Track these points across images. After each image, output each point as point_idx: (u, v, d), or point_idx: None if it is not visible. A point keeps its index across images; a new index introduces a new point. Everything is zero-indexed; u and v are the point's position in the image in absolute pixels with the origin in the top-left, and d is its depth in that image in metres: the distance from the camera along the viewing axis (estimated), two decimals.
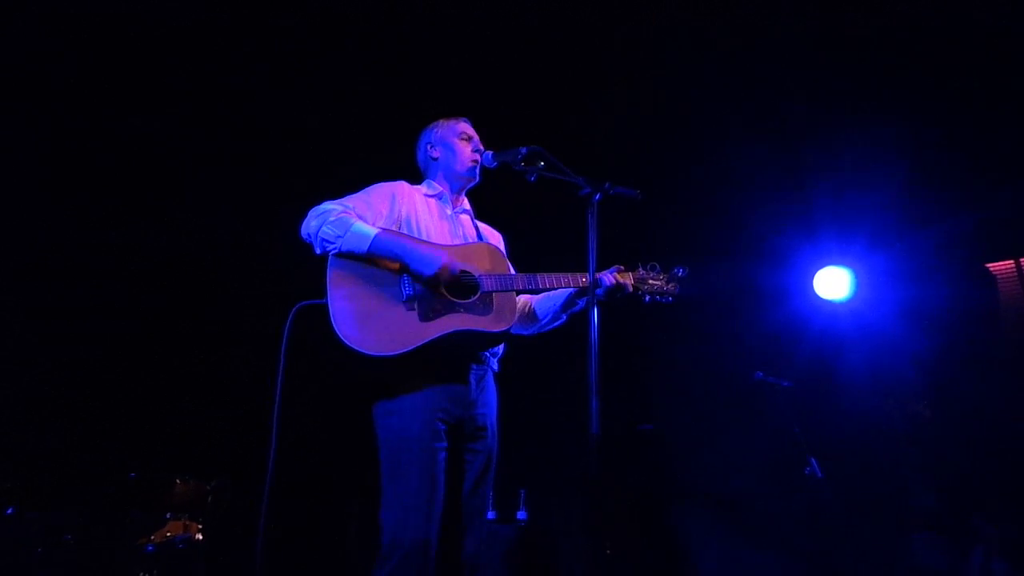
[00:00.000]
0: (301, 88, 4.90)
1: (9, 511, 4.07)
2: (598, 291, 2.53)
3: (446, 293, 2.46)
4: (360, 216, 2.50)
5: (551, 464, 5.18)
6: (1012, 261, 5.40)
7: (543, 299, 2.79)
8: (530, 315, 2.80)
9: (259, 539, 2.55)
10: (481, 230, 2.82)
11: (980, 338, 5.21)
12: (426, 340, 2.38)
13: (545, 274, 2.57)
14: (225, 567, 4.39)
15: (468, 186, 2.81)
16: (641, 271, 2.71)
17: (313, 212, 2.49)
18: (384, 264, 2.45)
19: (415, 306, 2.41)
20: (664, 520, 5.23)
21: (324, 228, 2.42)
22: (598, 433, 2.11)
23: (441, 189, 2.77)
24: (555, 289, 2.65)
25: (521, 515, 4.70)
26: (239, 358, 4.96)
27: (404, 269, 2.45)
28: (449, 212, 2.75)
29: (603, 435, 2.12)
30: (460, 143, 2.76)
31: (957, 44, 4.43)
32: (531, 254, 2.96)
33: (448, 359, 2.47)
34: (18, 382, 4.87)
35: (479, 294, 2.48)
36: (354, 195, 2.60)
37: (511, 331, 2.58)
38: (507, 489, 4.65)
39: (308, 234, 2.48)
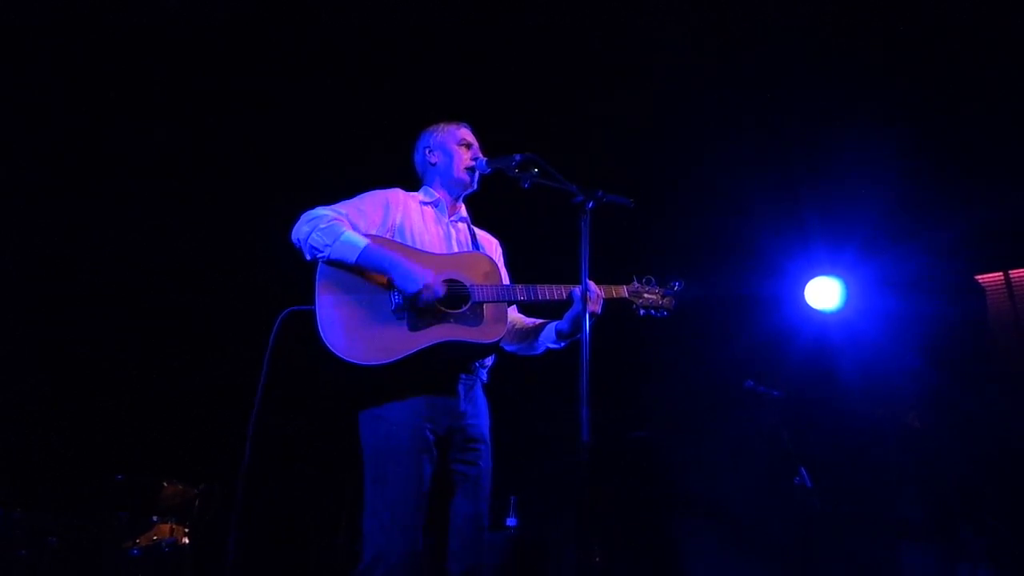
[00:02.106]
0: (293, 92, 4.88)
1: None
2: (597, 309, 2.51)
3: (437, 303, 2.42)
4: (352, 224, 2.47)
5: (541, 471, 5.18)
6: (1001, 273, 5.44)
7: (525, 326, 2.76)
8: (514, 334, 2.76)
9: (231, 537, 2.51)
10: (479, 237, 2.79)
11: (969, 349, 5.24)
12: (414, 350, 2.35)
13: (537, 285, 2.54)
14: (212, 572, 4.36)
15: (466, 193, 2.79)
16: (636, 284, 2.68)
17: (305, 217, 2.46)
18: (373, 275, 2.42)
19: (404, 316, 2.39)
20: (654, 528, 5.23)
21: (314, 235, 2.40)
22: (588, 441, 2.10)
23: (438, 196, 2.74)
24: (548, 300, 2.59)
25: (511, 522, 4.69)
26: (229, 361, 4.93)
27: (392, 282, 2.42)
28: (445, 220, 2.72)
29: (594, 443, 2.11)
30: (459, 149, 2.73)
31: (947, 56, 4.47)
32: (524, 262, 2.95)
33: (437, 369, 2.43)
34: (4, 384, 4.83)
35: (470, 304, 2.45)
36: (348, 201, 2.56)
37: (502, 344, 2.56)
38: (497, 496, 4.63)
39: (298, 239, 2.45)
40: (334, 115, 4.98)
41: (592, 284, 2.53)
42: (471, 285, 2.48)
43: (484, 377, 2.63)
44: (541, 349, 2.74)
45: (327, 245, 2.39)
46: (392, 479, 2.31)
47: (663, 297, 2.69)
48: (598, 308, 2.54)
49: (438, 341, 2.38)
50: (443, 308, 2.43)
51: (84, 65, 4.51)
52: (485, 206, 2.90)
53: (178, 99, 4.80)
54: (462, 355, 2.48)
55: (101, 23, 4.29)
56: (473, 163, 2.71)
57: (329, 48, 4.67)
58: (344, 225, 2.44)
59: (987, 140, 4.83)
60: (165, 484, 4.39)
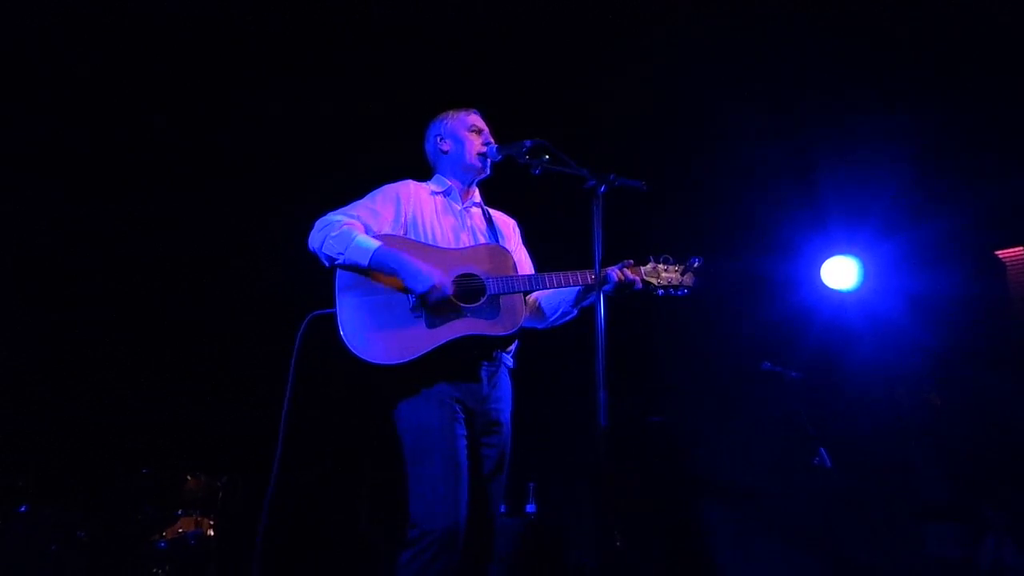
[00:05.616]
0: (309, 92, 4.89)
1: (22, 508, 4.10)
2: (606, 287, 2.50)
3: (452, 298, 2.45)
4: (366, 225, 2.53)
5: (560, 457, 5.19)
6: (1021, 248, 5.36)
7: (551, 295, 2.77)
8: (538, 311, 2.79)
9: (258, 538, 2.57)
10: (495, 220, 2.81)
11: (989, 326, 5.18)
12: (433, 347, 2.40)
13: (551, 273, 2.55)
14: (237, 563, 4.42)
15: (478, 179, 2.81)
16: (652, 264, 2.63)
17: (318, 224, 2.52)
18: (387, 276, 2.47)
19: (421, 314, 2.43)
20: (674, 511, 5.23)
21: (327, 242, 2.47)
22: (606, 426, 2.11)
23: (450, 184, 2.76)
24: (568, 287, 2.60)
25: (530, 508, 4.71)
26: (252, 356, 4.97)
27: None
28: (458, 208, 2.74)
29: (612, 427, 2.12)
30: (470, 135, 2.75)
31: (965, 32, 4.40)
32: (537, 246, 2.95)
33: (458, 362, 2.47)
34: (31, 380, 4.91)
35: (486, 297, 2.48)
36: (359, 202, 2.61)
37: (522, 328, 2.57)
38: (516, 482, 4.66)
39: (314, 247, 2.51)
40: (350, 110, 4.97)
41: (618, 270, 2.55)
42: (487, 279, 2.50)
43: (509, 362, 2.67)
44: (569, 312, 2.74)
45: (340, 252, 2.45)
46: (427, 457, 2.37)
47: (683, 274, 2.63)
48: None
49: (455, 337, 2.41)
50: (459, 303, 2.45)
51: (101, 58, 4.52)
52: (497, 191, 2.91)
53: (199, 99, 4.81)
54: (481, 347, 2.51)
55: (114, 16, 4.30)
56: (485, 149, 2.72)
57: (334, 45, 4.67)
58: (356, 229, 2.49)
59: (1006, 114, 4.75)
60: (189, 477, 4.45)
